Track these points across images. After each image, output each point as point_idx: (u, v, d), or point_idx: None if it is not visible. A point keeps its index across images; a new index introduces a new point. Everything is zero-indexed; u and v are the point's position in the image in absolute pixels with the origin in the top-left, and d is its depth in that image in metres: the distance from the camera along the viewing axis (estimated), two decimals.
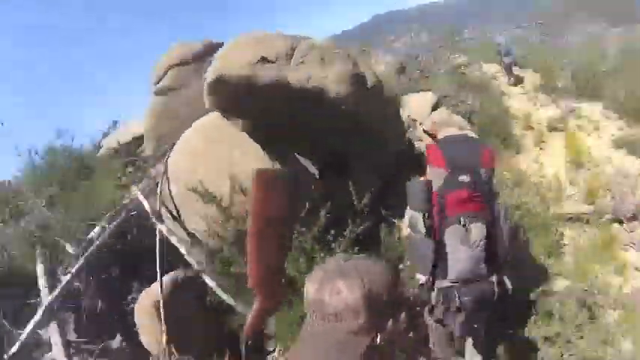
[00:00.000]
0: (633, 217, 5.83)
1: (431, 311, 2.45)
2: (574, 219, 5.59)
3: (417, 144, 5.71)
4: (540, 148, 7.82)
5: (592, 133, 8.10)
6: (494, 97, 8.40)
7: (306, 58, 3.54)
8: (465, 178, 2.30)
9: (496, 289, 2.32)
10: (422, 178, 2.48)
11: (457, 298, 2.22)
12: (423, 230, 2.29)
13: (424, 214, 2.30)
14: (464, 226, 2.27)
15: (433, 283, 2.35)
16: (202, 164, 3.70)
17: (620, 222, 5.81)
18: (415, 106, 6.77)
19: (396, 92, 7.57)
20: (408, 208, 2.40)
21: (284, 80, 3.39)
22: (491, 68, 10.45)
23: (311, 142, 3.70)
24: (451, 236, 2.28)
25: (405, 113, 6.82)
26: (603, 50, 10.34)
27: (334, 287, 0.77)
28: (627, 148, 7.42)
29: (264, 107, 3.50)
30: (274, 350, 1.57)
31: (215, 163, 3.62)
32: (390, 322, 0.79)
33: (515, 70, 9.84)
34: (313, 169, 3.52)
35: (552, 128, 8.22)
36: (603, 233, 5.29)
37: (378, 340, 0.77)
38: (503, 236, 2.34)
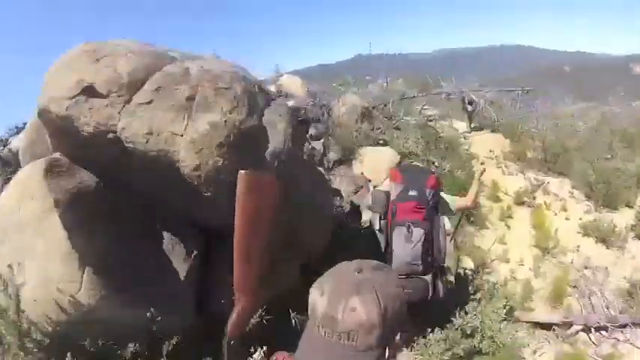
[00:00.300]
0: (602, 327, 5.05)
1: None
2: (540, 327, 4.73)
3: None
4: (506, 225, 7.07)
5: (559, 212, 7.48)
6: (463, 161, 7.68)
7: (159, 96, 2.13)
8: (413, 193, 3.01)
9: (430, 287, 2.94)
10: (383, 189, 3.33)
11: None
12: (377, 227, 3.12)
13: (380, 216, 3.13)
14: (408, 228, 2.91)
15: None
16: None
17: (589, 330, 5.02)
18: (371, 164, 5.89)
19: (354, 142, 6.66)
20: (368, 209, 3.45)
21: (111, 132, 2.12)
22: (463, 125, 9.88)
23: (176, 219, 2.51)
24: (397, 235, 2.93)
25: (358, 169, 5.88)
26: (575, 124, 10.07)
27: (348, 304, 0.74)
28: (596, 236, 6.81)
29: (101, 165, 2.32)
30: (256, 351, 1.47)
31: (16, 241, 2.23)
32: (398, 336, 0.78)
33: (485, 133, 9.33)
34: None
35: (520, 202, 7.55)
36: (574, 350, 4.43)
37: (387, 354, 0.77)
38: (440, 244, 3.01)
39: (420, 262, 2.86)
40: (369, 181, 5.51)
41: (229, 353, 1.40)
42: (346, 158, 6.48)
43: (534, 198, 7.75)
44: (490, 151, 8.74)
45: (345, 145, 6.58)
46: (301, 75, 10.14)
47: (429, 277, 2.93)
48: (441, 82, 11.37)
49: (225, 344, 1.47)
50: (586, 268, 6.31)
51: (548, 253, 6.46)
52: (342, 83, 10.82)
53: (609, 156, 9.09)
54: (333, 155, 6.66)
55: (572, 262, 6.27)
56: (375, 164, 5.84)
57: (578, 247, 6.62)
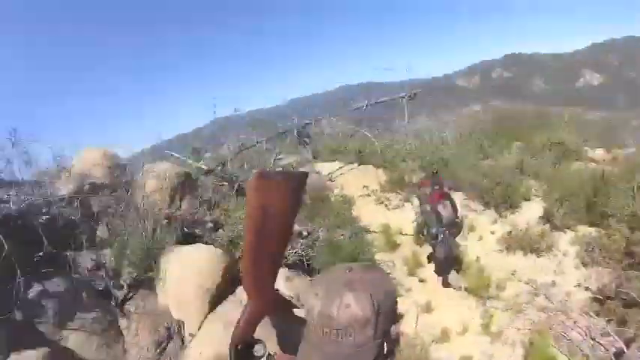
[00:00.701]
0: None
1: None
2: None
3: None
4: (419, 279, 5.03)
5: (468, 234, 5.84)
6: (334, 208, 5.57)
7: None
8: (437, 188, 4.98)
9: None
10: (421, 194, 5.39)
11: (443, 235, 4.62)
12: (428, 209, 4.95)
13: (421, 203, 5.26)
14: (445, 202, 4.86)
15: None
16: None
17: None
18: (177, 288, 3.21)
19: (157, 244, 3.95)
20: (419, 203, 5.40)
21: None
22: (333, 165, 8.02)
23: None
24: (441, 206, 4.76)
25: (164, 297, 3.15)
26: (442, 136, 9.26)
27: (342, 301, 0.76)
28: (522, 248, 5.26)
29: None
30: (263, 355, 1.17)
31: None
32: (393, 328, 0.81)
33: (351, 168, 7.70)
34: None
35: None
36: None
37: (385, 349, 0.79)
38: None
39: (453, 216, 4.81)
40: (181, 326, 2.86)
41: (235, 356, 1.17)
42: (144, 277, 3.64)
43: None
44: (364, 187, 6.96)
45: (140, 255, 3.76)
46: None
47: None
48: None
49: (231, 347, 1.20)
50: (536, 294, 4.55)
51: (488, 299, 4.56)
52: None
53: (482, 156, 8.30)
54: (126, 277, 3.78)
55: (523, 303, 4.42)
56: (183, 288, 3.16)
57: (513, 273, 4.91)
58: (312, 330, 0.80)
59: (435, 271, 4.81)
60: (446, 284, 4.78)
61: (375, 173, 7.54)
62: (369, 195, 6.70)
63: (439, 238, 4.64)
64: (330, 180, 7.17)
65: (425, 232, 5.09)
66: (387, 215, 6.31)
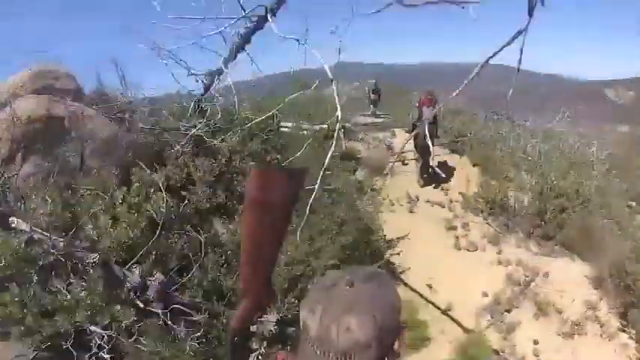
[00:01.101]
0: None
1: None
2: None
3: None
4: None
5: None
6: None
7: None
8: (429, 96, 6.70)
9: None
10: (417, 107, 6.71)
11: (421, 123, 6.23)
12: (417, 116, 6.58)
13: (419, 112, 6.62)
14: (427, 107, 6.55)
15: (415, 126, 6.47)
16: None
17: None
18: None
19: None
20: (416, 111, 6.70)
21: None
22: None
23: None
24: (425, 109, 6.40)
25: None
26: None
27: (342, 324, 0.70)
28: None
29: None
30: (258, 349, 1.46)
31: None
32: (396, 346, 0.76)
33: (446, 154, 7.14)
34: None
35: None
36: None
37: None
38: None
39: (431, 117, 6.19)
40: None
41: (233, 349, 1.20)
42: None
43: None
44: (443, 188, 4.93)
45: None
46: None
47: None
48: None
49: (229, 340, 1.22)
50: None
51: None
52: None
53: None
54: None
55: None
56: None
57: None
58: (309, 348, 0.73)
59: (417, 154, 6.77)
60: (423, 170, 6.67)
61: (468, 172, 5.51)
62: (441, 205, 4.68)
63: (417, 125, 6.40)
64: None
65: (413, 124, 6.77)
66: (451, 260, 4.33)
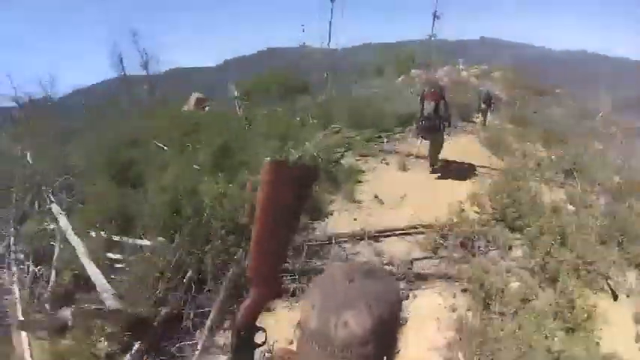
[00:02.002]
0: None
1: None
2: None
3: None
4: None
5: None
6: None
7: None
8: (432, 89, 6.79)
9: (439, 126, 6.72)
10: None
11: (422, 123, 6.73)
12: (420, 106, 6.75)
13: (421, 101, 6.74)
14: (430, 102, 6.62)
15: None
16: None
17: None
18: None
19: None
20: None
21: None
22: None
23: None
24: (427, 103, 6.60)
25: None
26: None
27: (340, 319, 0.73)
28: None
29: None
30: (264, 343, 1.21)
31: None
32: (396, 340, 0.84)
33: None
34: None
35: None
36: None
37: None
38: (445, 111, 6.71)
39: (432, 112, 6.53)
40: None
41: (238, 343, 1.22)
42: None
43: None
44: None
45: None
46: None
47: (437, 120, 6.66)
48: None
49: (234, 334, 1.26)
50: None
51: None
52: None
53: None
54: None
55: None
56: None
57: None
58: (307, 343, 0.77)
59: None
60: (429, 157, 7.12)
61: None
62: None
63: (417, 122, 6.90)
64: None
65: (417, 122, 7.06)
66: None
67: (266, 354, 1.67)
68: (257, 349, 1.21)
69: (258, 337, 1.22)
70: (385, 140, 8.71)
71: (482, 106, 10.95)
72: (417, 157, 7.56)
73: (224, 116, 9.60)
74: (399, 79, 17.79)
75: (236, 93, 12.49)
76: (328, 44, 16.52)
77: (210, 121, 8.43)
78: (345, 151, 7.57)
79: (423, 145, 7.36)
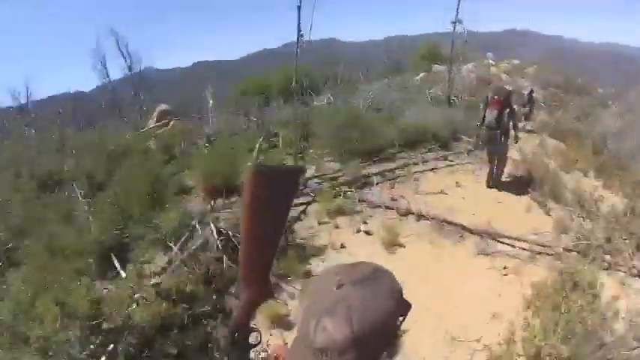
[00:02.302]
0: None
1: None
2: None
3: None
4: None
5: None
6: None
7: None
8: (496, 97, 5.87)
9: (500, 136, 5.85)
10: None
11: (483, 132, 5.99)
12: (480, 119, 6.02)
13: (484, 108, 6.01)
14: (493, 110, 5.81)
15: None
16: None
17: None
18: None
19: None
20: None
21: None
22: None
23: None
24: (488, 112, 5.80)
25: None
26: None
27: (319, 324, 0.72)
28: None
29: None
30: (258, 344, 1.16)
31: None
32: (385, 354, 0.75)
33: None
34: None
35: None
36: None
37: None
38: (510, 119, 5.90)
39: (494, 121, 5.73)
40: None
41: (233, 344, 1.15)
42: None
43: None
44: None
45: None
46: None
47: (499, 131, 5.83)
48: None
49: (229, 336, 1.16)
50: None
51: None
52: None
53: None
54: None
55: None
56: None
57: None
58: (297, 340, 0.77)
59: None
60: (489, 177, 6.19)
61: None
62: None
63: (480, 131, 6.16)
64: None
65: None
66: None
67: (262, 353, 1.43)
68: (252, 350, 1.15)
69: (253, 338, 1.13)
70: (376, 183, 6.06)
71: (523, 109, 9.47)
72: (421, 215, 5.01)
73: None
74: (418, 76, 15.47)
75: (211, 103, 10.51)
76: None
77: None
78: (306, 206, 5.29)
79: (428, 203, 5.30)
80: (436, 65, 15.41)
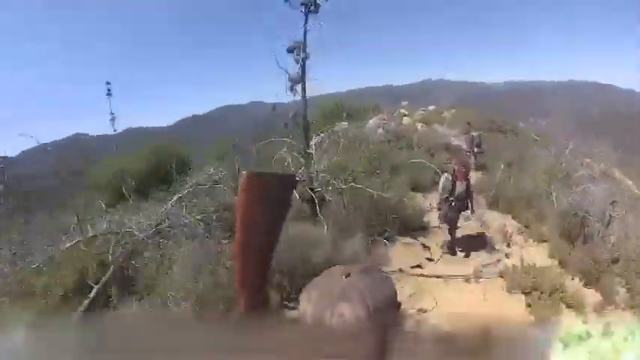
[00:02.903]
0: None
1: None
2: None
3: None
4: None
5: None
6: None
7: None
8: (464, 170, 6.33)
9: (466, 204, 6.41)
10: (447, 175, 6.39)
11: (452, 204, 6.24)
12: (447, 191, 6.23)
13: (452, 179, 6.26)
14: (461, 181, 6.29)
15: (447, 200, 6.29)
16: None
17: None
18: None
19: None
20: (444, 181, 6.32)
21: None
22: None
23: None
24: (459, 184, 6.18)
25: None
26: None
27: (336, 310, 0.87)
28: None
29: None
30: None
31: None
32: (393, 318, 0.96)
33: None
34: None
35: None
36: None
37: (380, 353, 0.78)
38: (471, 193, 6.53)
39: (463, 192, 6.18)
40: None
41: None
42: None
43: None
44: None
45: None
46: None
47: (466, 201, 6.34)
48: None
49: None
50: None
51: None
52: None
53: None
54: None
55: None
56: None
57: None
58: (305, 332, 0.86)
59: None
60: (448, 245, 6.52)
61: None
62: None
63: (447, 203, 6.32)
64: None
65: (443, 195, 6.43)
66: None
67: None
68: None
69: None
70: None
71: (477, 149, 10.66)
72: None
73: None
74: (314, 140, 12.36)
75: None
76: None
77: None
78: None
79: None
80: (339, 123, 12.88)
